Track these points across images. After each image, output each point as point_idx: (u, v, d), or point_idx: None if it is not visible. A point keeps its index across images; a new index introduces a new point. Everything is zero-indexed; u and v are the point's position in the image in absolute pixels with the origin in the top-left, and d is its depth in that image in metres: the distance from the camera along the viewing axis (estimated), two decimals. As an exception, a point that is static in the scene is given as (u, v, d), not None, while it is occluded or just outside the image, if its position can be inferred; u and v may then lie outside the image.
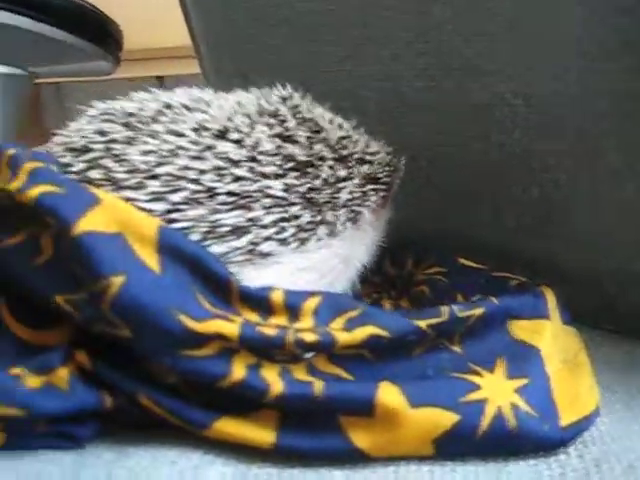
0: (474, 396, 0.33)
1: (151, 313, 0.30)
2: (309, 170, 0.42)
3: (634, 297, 0.51)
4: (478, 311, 0.38)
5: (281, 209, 0.40)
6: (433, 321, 0.36)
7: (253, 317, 0.34)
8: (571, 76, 0.45)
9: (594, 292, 0.53)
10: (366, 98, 0.57)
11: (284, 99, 0.46)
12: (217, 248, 0.38)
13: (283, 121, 0.44)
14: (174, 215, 0.37)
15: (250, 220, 0.39)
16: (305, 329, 0.33)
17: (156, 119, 0.41)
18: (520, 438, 0.33)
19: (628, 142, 0.45)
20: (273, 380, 0.32)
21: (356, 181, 0.45)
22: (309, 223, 0.41)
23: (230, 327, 0.32)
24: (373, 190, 0.46)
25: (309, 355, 0.33)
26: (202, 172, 0.39)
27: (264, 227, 0.39)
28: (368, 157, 0.47)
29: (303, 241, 0.41)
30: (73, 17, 0.83)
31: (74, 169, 0.39)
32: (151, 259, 0.32)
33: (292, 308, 0.35)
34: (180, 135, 0.40)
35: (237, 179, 0.39)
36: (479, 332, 0.38)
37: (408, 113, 0.55)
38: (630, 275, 0.50)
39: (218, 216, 0.38)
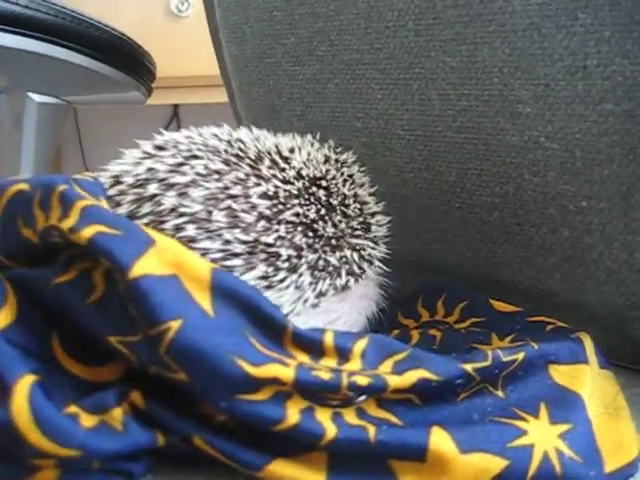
0: (521, 441, 0.34)
1: (209, 358, 0.30)
2: (366, 209, 0.47)
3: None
4: (520, 355, 0.38)
5: (360, 246, 0.44)
6: (478, 365, 0.36)
7: (305, 359, 0.34)
8: (611, 121, 0.46)
9: (621, 333, 0.53)
10: (397, 136, 0.58)
11: (330, 147, 0.50)
12: (323, 287, 0.42)
13: (343, 166, 0.48)
14: (295, 260, 0.40)
15: (343, 258, 0.43)
16: (355, 372, 0.34)
17: (259, 162, 0.42)
18: (567, 484, 0.33)
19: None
20: (327, 424, 0.32)
21: (381, 216, 0.50)
22: (372, 257, 0.46)
23: (286, 371, 0.32)
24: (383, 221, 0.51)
25: (361, 398, 0.33)
26: (313, 220, 0.42)
27: (349, 264, 0.43)
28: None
29: (365, 272, 0.45)
30: (110, 49, 0.85)
31: (189, 210, 0.38)
32: (205, 301, 0.33)
33: (342, 350, 0.35)
34: (288, 182, 0.42)
35: (334, 224, 0.43)
36: (521, 377, 0.38)
37: (440, 153, 0.56)
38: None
39: (325, 258, 0.42)
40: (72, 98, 0.99)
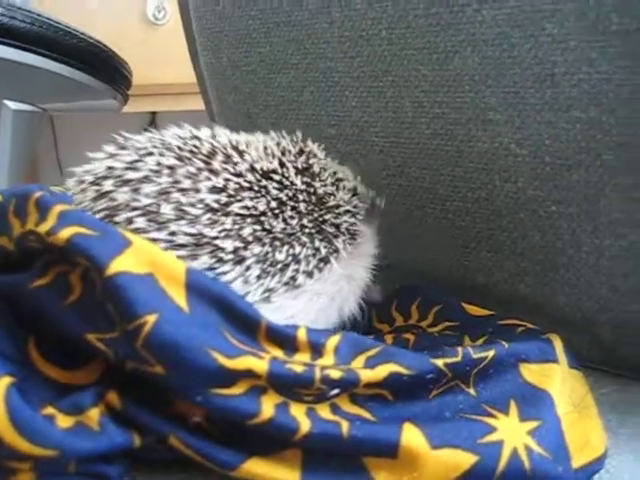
0: (491, 438, 0.34)
1: (185, 350, 0.31)
2: (323, 201, 0.46)
3: (629, 340, 0.52)
4: (490, 353, 0.39)
5: (310, 244, 0.44)
6: (449, 360, 0.37)
7: (279, 354, 0.35)
8: (578, 128, 0.47)
9: (591, 335, 0.54)
10: (371, 143, 0.59)
11: (291, 139, 0.50)
12: (270, 283, 0.42)
13: (300, 156, 0.48)
14: (242, 252, 0.40)
15: (291, 256, 0.43)
16: (329, 366, 0.35)
17: (212, 157, 0.43)
18: (535, 479, 0.34)
19: (629, 194, 0.47)
20: (301, 419, 0.33)
21: (346, 197, 0.49)
22: (325, 254, 0.45)
23: (260, 363, 0.33)
24: (358, 200, 0.50)
25: (334, 392, 0.34)
26: (262, 213, 0.42)
27: (298, 262, 0.43)
28: (342, 174, 0.51)
29: (320, 270, 0.45)
30: (86, 57, 0.85)
31: (140, 204, 0.40)
32: (180, 298, 0.33)
33: (315, 346, 0.36)
34: (239, 175, 0.43)
35: (284, 219, 0.43)
36: (492, 375, 0.39)
37: (414, 160, 0.57)
38: (627, 320, 0.52)
39: (273, 253, 0.42)
40: (48, 105, 0.99)
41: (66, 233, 0.33)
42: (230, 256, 0.40)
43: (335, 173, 0.50)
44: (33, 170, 1.60)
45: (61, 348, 0.35)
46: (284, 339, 0.35)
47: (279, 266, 0.42)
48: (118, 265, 0.32)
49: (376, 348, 0.37)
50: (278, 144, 0.48)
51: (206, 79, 0.73)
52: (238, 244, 0.40)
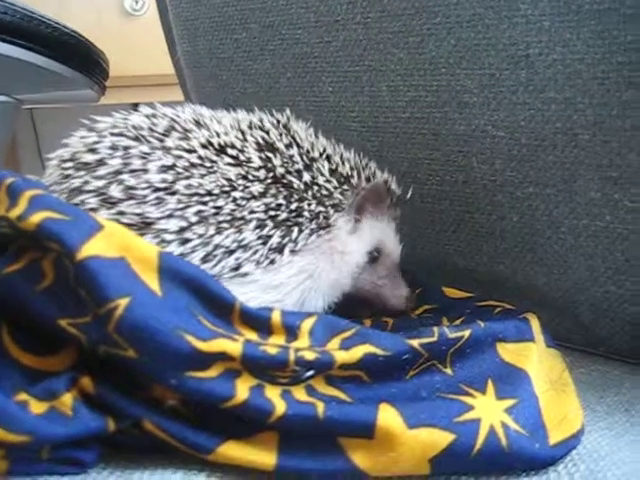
0: (468, 416, 0.34)
1: (158, 333, 0.31)
2: (284, 182, 0.44)
3: (608, 320, 0.53)
4: (467, 333, 0.39)
5: (259, 231, 0.42)
6: (425, 340, 0.37)
7: (253, 337, 0.35)
8: (553, 109, 0.48)
9: (570, 316, 0.55)
10: (349, 128, 0.59)
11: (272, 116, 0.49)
12: (215, 268, 0.41)
13: (267, 132, 0.46)
14: (186, 233, 0.40)
15: (237, 242, 0.41)
16: (304, 348, 0.35)
17: (168, 134, 0.43)
18: (512, 456, 0.34)
19: (605, 173, 0.47)
20: (276, 401, 0.33)
21: (320, 180, 0.46)
22: (278, 243, 0.43)
23: (233, 346, 0.32)
24: (338, 187, 0.47)
25: (309, 374, 0.34)
26: (209, 192, 0.41)
27: (244, 248, 0.42)
28: (336, 157, 0.48)
29: (272, 261, 0.43)
30: (62, 46, 0.84)
31: (92, 187, 0.40)
32: (153, 282, 0.33)
33: (290, 328, 0.36)
34: (192, 151, 0.42)
35: (234, 200, 0.42)
36: (469, 354, 0.39)
37: (391, 144, 0.57)
38: (605, 300, 0.52)
39: (219, 236, 0.41)
40: (23, 96, 0.98)
41: (37, 218, 0.33)
42: (173, 236, 0.40)
43: (311, 151, 0.47)
44: (15, 165, 1.59)
45: (34, 334, 0.35)
46: (258, 322, 0.35)
47: (222, 250, 0.41)
48: (89, 249, 0.32)
49: (351, 330, 0.37)
50: (256, 118, 0.48)
51: (184, 68, 0.72)
52: (183, 224, 0.40)
